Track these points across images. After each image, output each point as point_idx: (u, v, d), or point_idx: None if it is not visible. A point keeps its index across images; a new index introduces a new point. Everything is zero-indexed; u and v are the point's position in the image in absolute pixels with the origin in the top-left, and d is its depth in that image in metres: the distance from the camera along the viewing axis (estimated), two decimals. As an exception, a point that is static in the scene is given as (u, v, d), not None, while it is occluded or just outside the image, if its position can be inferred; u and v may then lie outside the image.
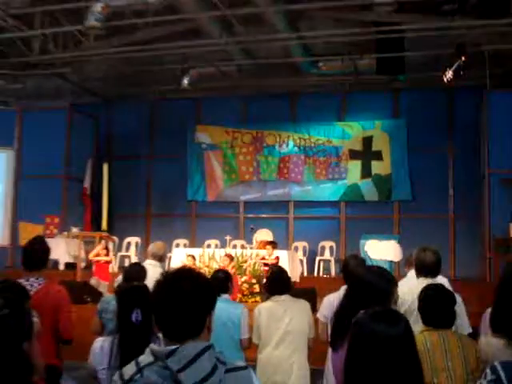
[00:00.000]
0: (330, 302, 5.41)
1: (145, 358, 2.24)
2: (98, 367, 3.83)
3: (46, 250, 5.07)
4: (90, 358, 3.95)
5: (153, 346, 2.25)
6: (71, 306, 5.04)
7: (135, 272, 5.77)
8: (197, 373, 2.12)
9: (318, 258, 16.14)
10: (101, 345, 3.89)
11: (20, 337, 2.36)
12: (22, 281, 4.64)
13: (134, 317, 3.73)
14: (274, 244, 13.51)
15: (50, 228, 16.04)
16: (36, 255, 4.93)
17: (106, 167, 17.12)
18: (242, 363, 2.32)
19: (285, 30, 13.24)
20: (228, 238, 15.08)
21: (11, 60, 15.46)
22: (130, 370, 2.25)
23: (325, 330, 5.42)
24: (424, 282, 4.58)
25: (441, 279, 5.11)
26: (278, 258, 12.81)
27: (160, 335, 3.77)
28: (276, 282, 5.80)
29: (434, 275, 4.89)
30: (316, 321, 5.67)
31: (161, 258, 7.00)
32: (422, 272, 4.91)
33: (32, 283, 4.65)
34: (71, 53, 15.16)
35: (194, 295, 2.25)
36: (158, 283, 2.34)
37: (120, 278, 6.38)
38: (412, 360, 2.14)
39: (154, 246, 7.16)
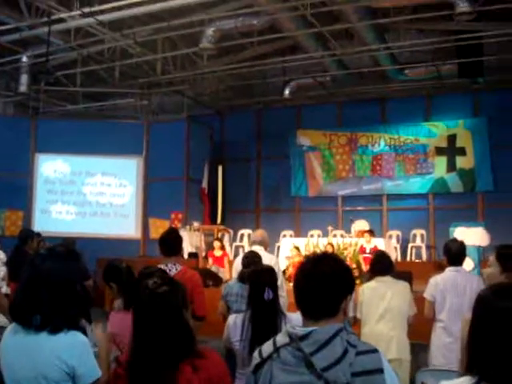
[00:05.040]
0: (437, 282, 5.31)
1: (281, 338, 2.14)
2: (232, 339, 3.88)
3: (180, 239, 5.20)
4: (225, 332, 4.01)
5: (289, 327, 2.13)
6: (203, 287, 5.12)
7: (253, 258, 5.81)
8: (328, 356, 1.99)
9: (410, 245, 15.79)
10: (234, 320, 3.95)
11: (180, 307, 2.42)
12: (162, 266, 4.75)
13: (266, 295, 3.75)
14: (371, 232, 13.31)
15: (174, 223, 16.33)
16: (172, 243, 5.06)
17: (220, 169, 17.36)
18: (371, 346, 2.12)
19: (373, 42, 13.06)
20: (330, 228, 14.98)
21: (139, 81, 15.97)
22: (267, 348, 2.16)
23: (431, 308, 5.31)
24: None
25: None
26: (376, 246, 12.53)
27: (286, 312, 3.82)
28: (379, 265, 5.71)
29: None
30: (420, 300, 5.54)
31: (263, 243, 6.78)
32: None
33: (170, 268, 4.75)
34: (188, 72, 15.51)
35: (332, 278, 2.12)
36: (301, 265, 2.24)
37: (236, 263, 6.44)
38: None
39: (257, 234, 6.99)
